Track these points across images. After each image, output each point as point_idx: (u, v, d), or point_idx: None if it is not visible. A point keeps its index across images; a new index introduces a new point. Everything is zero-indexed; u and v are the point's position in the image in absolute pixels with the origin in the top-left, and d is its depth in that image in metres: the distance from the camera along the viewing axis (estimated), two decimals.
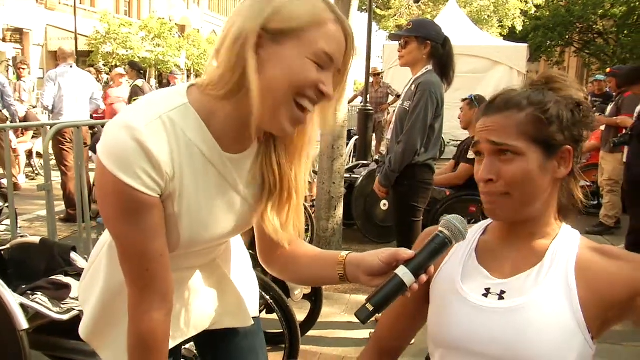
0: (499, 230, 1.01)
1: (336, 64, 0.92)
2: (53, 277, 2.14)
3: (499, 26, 19.48)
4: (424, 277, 0.90)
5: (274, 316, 2.31)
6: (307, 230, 4.42)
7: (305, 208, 4.37)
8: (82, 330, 1.12)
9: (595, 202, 6.15)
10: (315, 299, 2.80)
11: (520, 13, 19.16)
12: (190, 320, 1.14)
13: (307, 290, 2.80)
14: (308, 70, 0.88)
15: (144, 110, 0.90)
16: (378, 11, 20.05)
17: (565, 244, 0.93)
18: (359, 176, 4.95)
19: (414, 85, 2.82)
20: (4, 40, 20.63)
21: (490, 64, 10.56)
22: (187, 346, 1.40)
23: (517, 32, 19.61)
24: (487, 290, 0.93)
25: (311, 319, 2.82)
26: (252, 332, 1.25)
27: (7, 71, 15.61)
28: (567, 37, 21.99)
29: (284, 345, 2.31)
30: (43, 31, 22.04)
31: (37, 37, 21.75)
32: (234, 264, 1.24)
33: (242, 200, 1.04)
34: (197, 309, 1.15)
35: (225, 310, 1.20)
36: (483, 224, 1.06)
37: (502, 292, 0.92)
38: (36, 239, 2.32)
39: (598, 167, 5.64)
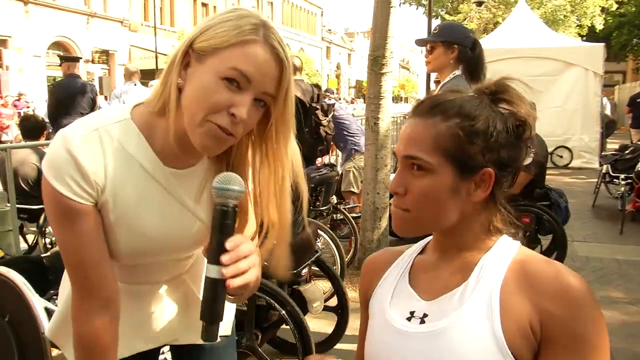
0: (433, 245, 0.95)
1: (257, 87, 0.88)
2: None
3: (577, 26, 18.35)
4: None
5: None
6: (351, 242, 4.38)
7: (349, 219, 4.36)
8: (48, 329, 1.16)
9: None
10: (341, 311, 2.76)
11: (601, 11, 17.93)
12: (150, 332, 1.16)
13: (333, 302, 2.76)
14: (217, 91, 0.86)
15: (85, 123, 0.95)
16: (447, 17, 19.65)
17: (495, 260, 0.84)
18: None
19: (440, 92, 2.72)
20: (92, 61, 22.44)
21: (564, 66, 10.02)
22: (164, 356, 1.43)
23: (598, 31, 18.35)
24: (412, 313, 0.87)
25: (338, 332, 2.78)
26: (219, 348, 1.24)
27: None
28: None
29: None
30: (127, 51, 23.72)
31: (121, 57, 23.44)
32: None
33: (192, 217, 1.04)
34: (158, 322, 1.16)
35: (190, 326, 1.19)
36: (422, 243, 0.98)
37: (425, 315, 0.85)
38: None
39: None
